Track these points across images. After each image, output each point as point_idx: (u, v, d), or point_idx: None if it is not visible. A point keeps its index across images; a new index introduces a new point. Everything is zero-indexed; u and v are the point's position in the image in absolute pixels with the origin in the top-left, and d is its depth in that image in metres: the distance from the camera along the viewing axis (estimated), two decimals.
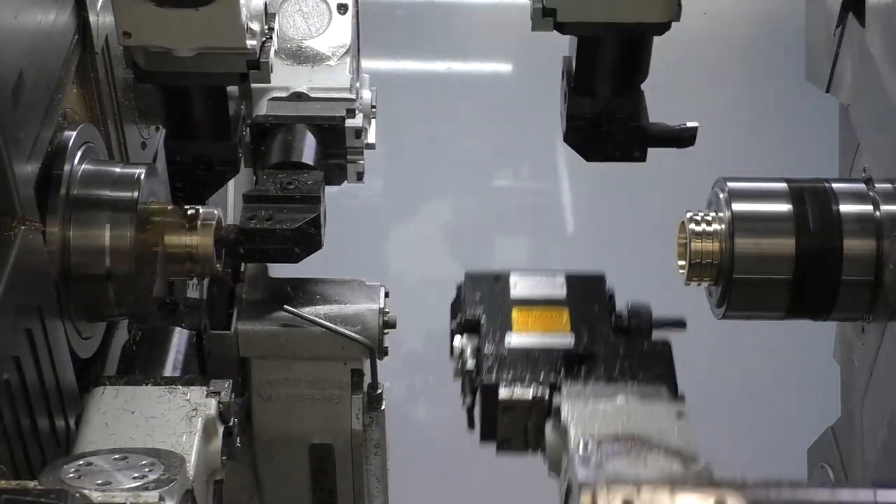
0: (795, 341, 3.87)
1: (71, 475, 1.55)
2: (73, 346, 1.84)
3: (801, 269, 1.98)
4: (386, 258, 4.75)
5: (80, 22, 1.89)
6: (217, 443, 1.82)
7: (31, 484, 1.46)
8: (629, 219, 4.59)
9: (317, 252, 2.08)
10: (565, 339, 2.04)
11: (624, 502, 1.50)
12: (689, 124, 2.25)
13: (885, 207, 1.97)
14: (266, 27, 2.08)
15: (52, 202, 1.78)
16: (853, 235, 1.97)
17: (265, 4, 2.08)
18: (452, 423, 4.19)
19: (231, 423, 1.85)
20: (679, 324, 2.09)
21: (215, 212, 2.03)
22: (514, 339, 2.03)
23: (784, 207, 2.00)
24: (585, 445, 1.76)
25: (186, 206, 2.02)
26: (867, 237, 1.97)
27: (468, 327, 2.07)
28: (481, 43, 5.49)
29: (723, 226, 2.01)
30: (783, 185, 2.04)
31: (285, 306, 2.27)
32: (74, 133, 1.84)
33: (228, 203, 2.64)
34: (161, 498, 1.51)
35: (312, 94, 2.35)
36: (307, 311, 2.28)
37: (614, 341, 2.04)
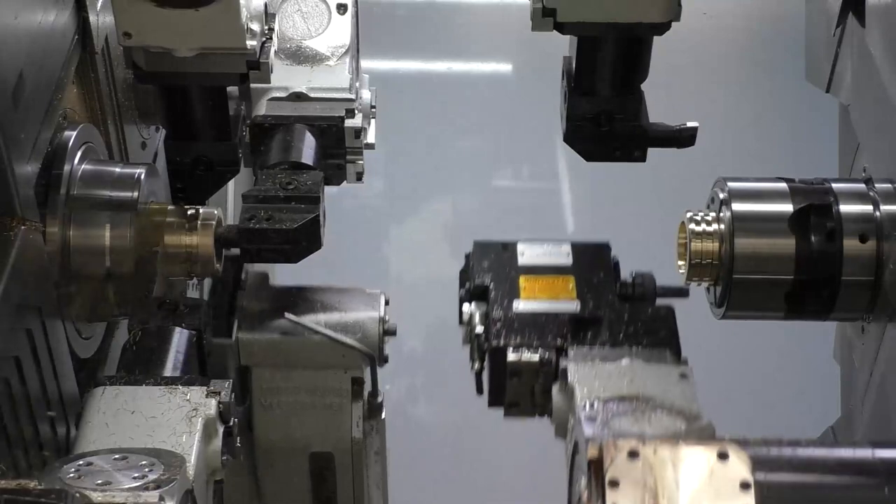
0: (795, 341, 3.87)
1: (71, 475, 1.55)
2: (73, 346, 1.83)
3: (801, 269, 1.98)
4: (386, 258, 4.76)
5: (80, 22, 1.89)
6: (217, 443, 1.82)
7: (31, 484, 1.46)
8: (629, 219, 4.59)
9: (316, 252, 2.08)
10: (571, 305, 2.09)
11: (630, 453, 1.52)
12: (689, 124, 2.25)
13: (885, 207, 1.97)
14: (266, 27, 2.08)
15: (52, 202, 1.78)
16: (853, 235, 1.97)
17: (265, 5, 2.07)
18: (452, 422, 4.19)
19: (231, 423, 1.85)
20: (682, 292, 2.10)
21: (215, 212, 2.03)
22: (522, 306, 2.09)
23: (784, 207, 2.00)
24: (591, 405, 1.81)
25: (186, 206, 2.02)
26: (867, 237, 1.97)
27: (476, 294, 2.14)
28: (481, 43, 5.49)
29: (723, 226, 2.01)
30: (783, 185, 2.04)
31: (286, 314, 2.28)
32: (74, 133, 1.84)
33: (228, 203, 2.64)
34: (161, 498, 1.51)
35: (312, 95, 2.35)
36: (308, 320, 2.28)
37: (619, 307, 2.10)
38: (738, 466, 1.53)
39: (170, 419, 1.78)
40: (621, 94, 2.21)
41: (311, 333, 2.27)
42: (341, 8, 2.46)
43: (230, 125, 2.22)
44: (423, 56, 5.49)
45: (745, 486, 1.52)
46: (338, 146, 2.31)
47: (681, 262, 2.05)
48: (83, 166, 1.85)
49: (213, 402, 1.82)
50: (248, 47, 2.00)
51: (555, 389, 1.98)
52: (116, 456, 1.62)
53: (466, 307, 2.15)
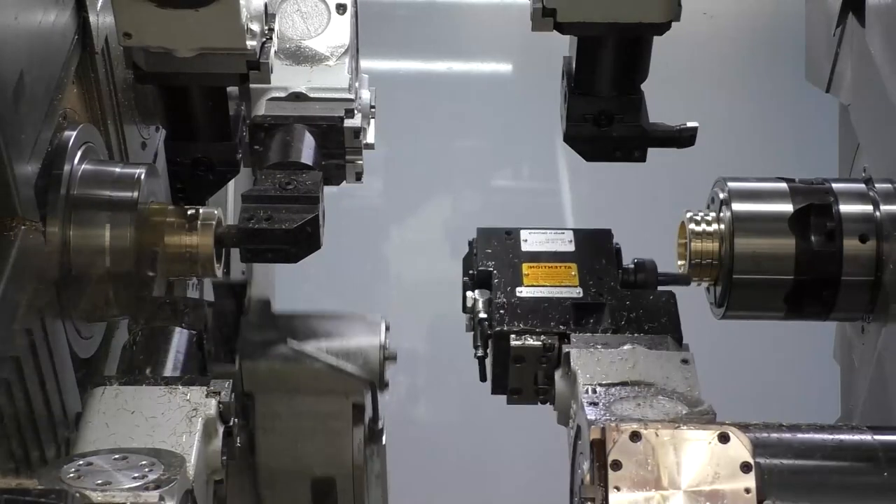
0: (795, 341, 3.87)
1: (71, 475, 1.56)
2: (73, 346, 1.83)
3: (801, 270, 1.98)
4: (386, 258, 4.75)
5: (80, 22, 1.89)
6: (217, 443, 1.82)
7: (31, 484, 1.46)
8: (629, 219, 4.57)
9: (316, 252, 2.08)
10: (574, 292, 2.12)
11: (632, 435, 1.54)
12: (689, 124, 2.26)
13: (885, 207, 1.97)
14: (266, 28, 2.08)
15: (52, 202, 1.78)
16: (853, 235, 1.97)
17: (265, 5, 2.07)
18: (453, 422, 4.18)
19: (231, 423, 1.85)
20: (683, 280, 2.11)
21: (215, 212, 2.03)
22: (525, 292, 2.12)
23: (784, 207, 2.00)
24: (594, 390, 1.83)
25: (186, 206, 2.02)
26: (867, 237, 1.97)
27: (480, 281, 2.16)
28: (481, 43, 5.49)
29: (723, 226, 2.01)
30: (783, 185, 2.04)
31: (288, 341, 2.29)
32: (74, 133, 1.84)
33: (228, 203, 2.64)
34: (161, 498, 1.51)
35: (311, 95, 2.35)
36: (310, 347, 2.30)
37: (621, 294, 2.12)
38: (739, 448, 1.55)
39: (170, 419, 1.78)
40: (621, 95, 2.21)
41: (312, 360, 2.30)
42: (341, 8, 2.46)
43: (230, 125, 2.22)
44: (423, 56, 5.49)
45: (745, 467, 1.54)
46: (337, 146, 2.31)
47: (681, 262, 2.06)
48: (83, 166, 1.85)
49: (213, 402, 1.82)
50: (248, 47, 2.00)
51: (557, 375, 2.00)
52: (116, 456, 1.62)
53: (470, 294, 2.16)
